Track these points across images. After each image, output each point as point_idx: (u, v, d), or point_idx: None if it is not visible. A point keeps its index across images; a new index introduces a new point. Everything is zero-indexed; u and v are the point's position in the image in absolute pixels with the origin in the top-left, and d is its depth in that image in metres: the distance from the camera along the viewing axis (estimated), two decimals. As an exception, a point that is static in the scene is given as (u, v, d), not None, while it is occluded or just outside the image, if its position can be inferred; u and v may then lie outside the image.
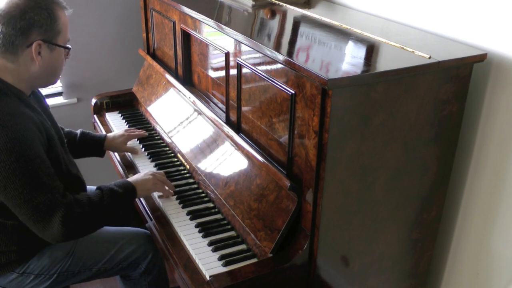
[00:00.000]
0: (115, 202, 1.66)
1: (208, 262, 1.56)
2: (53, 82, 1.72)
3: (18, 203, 1.49)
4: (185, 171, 2.04)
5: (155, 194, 1.90)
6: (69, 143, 1.99)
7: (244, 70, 1.71)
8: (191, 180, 1.98)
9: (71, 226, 1.54)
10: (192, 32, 2.09)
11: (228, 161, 1.80)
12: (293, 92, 1.46)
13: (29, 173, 1.48)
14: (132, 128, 2.35)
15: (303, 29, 1.79)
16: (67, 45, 1.65)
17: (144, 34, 2.65)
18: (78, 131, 2.11)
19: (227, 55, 1.80)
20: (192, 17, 2.04)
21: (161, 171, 1.95)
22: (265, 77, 1.58)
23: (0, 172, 1.46)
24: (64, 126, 2.05)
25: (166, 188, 1.87)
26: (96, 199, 1.62)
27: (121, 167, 2.17)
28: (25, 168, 1.47)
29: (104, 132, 2.42)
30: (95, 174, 2.65)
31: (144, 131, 2.30)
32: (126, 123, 2.48)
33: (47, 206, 1.50)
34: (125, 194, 1.70)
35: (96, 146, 2.14)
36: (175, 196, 1.88)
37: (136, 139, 2.30)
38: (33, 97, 1.73)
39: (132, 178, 1.80)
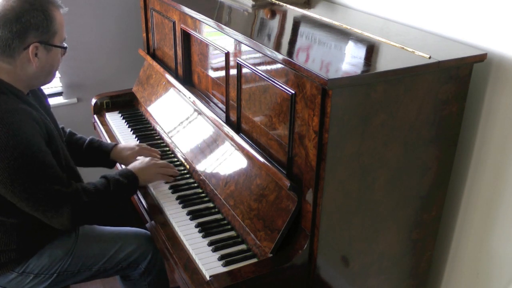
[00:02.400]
0: (120, 191, 1.73)
1: (208, 262, 1.56)
2: (50, 81, 1.72)
3: (26, 197, 1.53)
4: (185, 171, 2.04)
5: (155, 195, 1.90)
6: (77, 149, 2.01)
7: (244, 70, 1.71)
8: (191, 180, 1.98)
9: (79, 213, 1.62)
10: (192, 32, 2.09)
11: (228, 161, 1.80)
12: (293, 92, 1.46)
13: (34, 167, 1.52)
14: (145, 145, 2.15)
15: (303, 29, 1.79)
16: (64, 45, 1.66)
17: (144, 34, 2.65)
18: (88, 138, 2.06)
19: (227, 55, 1.80)
20: (192, 17, 2.04)
21: (164, 161, 1.98)
22: (265, 77, 1.58)
23: (5, 169, 1.48)
24: (64, 126, 2.05)
25: (168, 176, 1.93)
26: (103, 188, 1.69)
27: (120, 167, 2.17)
28: (30, 163, 1.51)
29: (104, 133, 2.42)
30: (95, 174, 2.65)
31: (158, 151, 2.11)
32: (126, 123, 2.48)
33: (55, 196, 1.56)
34: (128, 183, 1.77)
35: (102, 154, 2.05)
36: (175, 196, 1.88)
37: (135, 137, 2.31)
38: (32, 96, 1.73)
39: (134, 167, 1.85)
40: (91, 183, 1.70)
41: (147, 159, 1.92)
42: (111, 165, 2.11)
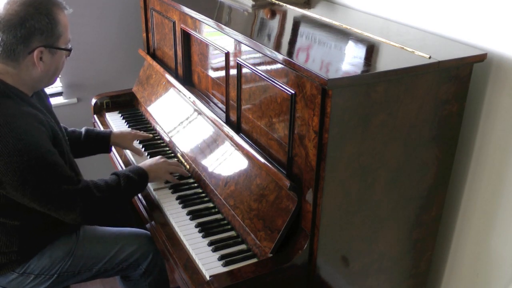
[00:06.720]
0: (130, 187, 1.75)
1: (208, 262, 1.57)
2: (53, 82, 1.73)
3: (37, 197, 1.55)
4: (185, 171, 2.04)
5: (155, 195, 1.90)
6: (74, 141, 2.04)
7: (244, 70, 1.71)
8: (191, 180, 1.98)
9: (91, 209, 1.64)
10: (192, 32, 2.09)
11: (228, 161, 1.80)
12: (293, 92, 1.46)
13: (44, 168, 1.53)
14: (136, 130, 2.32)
15: (303, 29, 1.79)
16: (69, 47, 1.66)
17: (144, 34, 2.65)
18: (83, 129, 2.10)
19: (227, 55, 1.80)
20: (192, 17, 2.04)
21: (175, 160, 2.00)
22: (265, 77, 1.58)
23: (15, 172, 1.49)
24: (66, 126, 2.05)
25: (177, 176, 1.96)
26: (114, 184, 1.71)
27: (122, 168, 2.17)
28: (39, 165, 1.51)
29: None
30: (96, 175, 2.65)
31: (150, 134, 2.27)
32: (126, 123, 2.48)
33: (66, 194, 1.58)
34: (139, 180, 1.79)
35: (101, 142, 2.12)
36: (175, 196, 1.88)
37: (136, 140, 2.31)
38: (36, 97, 1.73)
39: (145, 165, 1.88)
40: (102, 179, 1.72)
41: (158, 157, 1.94)
42: (108, 150, 2.18)
